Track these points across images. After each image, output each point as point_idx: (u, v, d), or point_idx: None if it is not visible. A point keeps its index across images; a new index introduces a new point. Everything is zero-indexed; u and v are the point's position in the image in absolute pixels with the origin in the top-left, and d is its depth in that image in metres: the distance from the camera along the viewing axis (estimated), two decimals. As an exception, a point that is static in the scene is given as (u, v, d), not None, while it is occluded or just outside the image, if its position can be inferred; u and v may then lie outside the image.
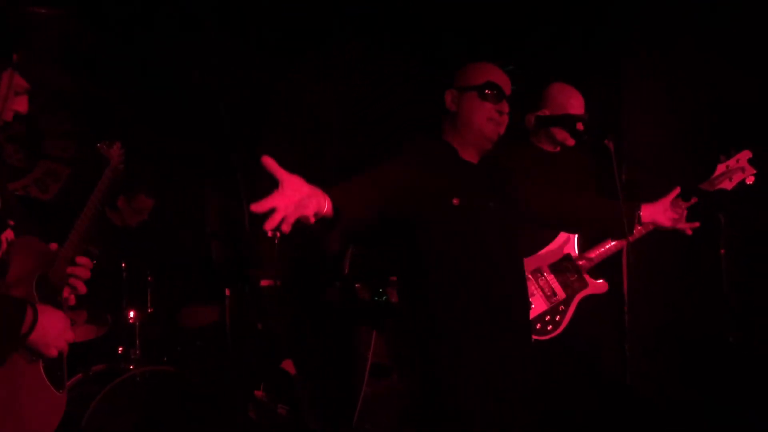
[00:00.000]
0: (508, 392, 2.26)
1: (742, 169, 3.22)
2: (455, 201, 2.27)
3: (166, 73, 4.68)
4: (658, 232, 3.20)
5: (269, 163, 1.74)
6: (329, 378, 4.14)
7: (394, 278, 4.10)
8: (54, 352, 2.16)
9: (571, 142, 3.22)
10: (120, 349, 3.75)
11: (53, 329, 2.14)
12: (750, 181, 3.21)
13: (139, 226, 4.40)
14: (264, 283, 3.91)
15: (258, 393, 4.09)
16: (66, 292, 2.29)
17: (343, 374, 4.10)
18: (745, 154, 3.24)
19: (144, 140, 4.55)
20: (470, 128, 2.38)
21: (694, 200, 3.13)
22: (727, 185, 3.21)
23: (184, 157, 4.87)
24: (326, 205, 1.87)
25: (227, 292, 3.65)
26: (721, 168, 3.24)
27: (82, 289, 2.29)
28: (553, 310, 3.11)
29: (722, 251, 2.91)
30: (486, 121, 2.36)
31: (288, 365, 3.96)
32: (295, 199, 1.75)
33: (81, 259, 2.30)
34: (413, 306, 2.30)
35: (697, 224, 2.59)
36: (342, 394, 4.04)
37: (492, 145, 2.41)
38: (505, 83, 2.41)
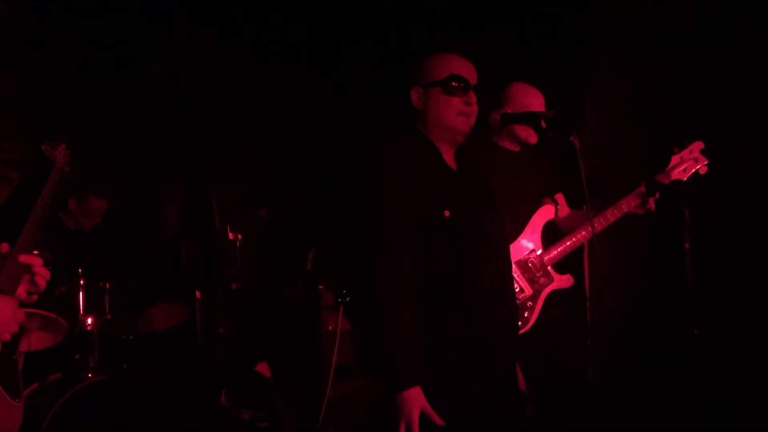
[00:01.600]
0: (494, 403, 2.25)
1: (695, 160, 3.30)
2: (446, 213, 2.24)
3: (122, 68, 4.59)
4: (621, 225, 3.26)
5: None
6: (294, 380, 4.09)
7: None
8: (6, 337, 2.12)
9: (533, 140, 3.25)
10: (77, 356, 3.65)
11: (2, 314, 2.09)
12: (703, 171, 3.30)
13: (93, 229, 4.28)
14: (234, 285, 3.85)
15: (221, 399, 4.02)
16: (23, 290, 2.21)
17: (307, 376, 4.06)
18: (698, 145, 3.32)
19: (97, 139, 4.44)
20: (441, 125, 2.34)
21: (657, 195, 3.20)
22: (682, 176, 3.29)
23: (141, 156, 4.77)
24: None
25: (198, 294, 3.58)
26: (675, 159, 3.31)
27: (42, 284, 2.22)
28: (521, 307, 3.12)
29: (686, 245, 2.96)
30: (455, 115, 2.32)
31: (263, 368, 3.91)
32: None
33: (29, 258, 2.21)
34: None
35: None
36: (307, 396, 4.00)
37: (464, 138, 2.38)
38: (469, 72, 2.36)
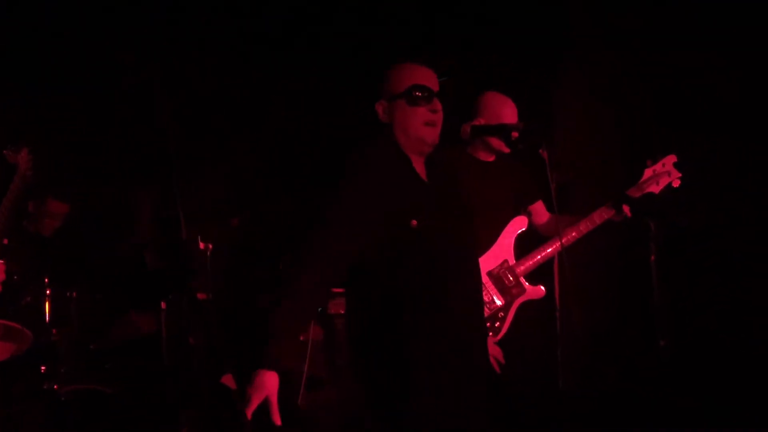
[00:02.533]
0: (465, 413, 2.22)
1: (668, 173, 3.32)
2: (413, 223, 2.22)
3: (90, 70, 4.52)
4: (592, 236, 3.27)
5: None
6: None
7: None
8: None
9: (506, 150, 3.24)
10: (43, 368, 3.59)
11: None
12: (676, 184, 3.31)
13: (58, 236, 4.20)
14: (201, 296, 3.80)
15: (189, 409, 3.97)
16: None
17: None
18: (671, 159, 3.34)
19: (61, 144, 4.37)
20: (409, 136, 2.32)
21: (626, 208, 3.21)
22: (655, 189, 3.31)
23: (109, 160, 4.71)
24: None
25: (163, 305, 3.54)
26: (648, 173, 3.33)
27: None
28: (492, 317, 3.12)
29: (652, 257, 2.98)
30: (422, 125, 2.30)
31: (228, 380, 3.86)
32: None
33: None
34: (369, 324, 2.24)
35: None
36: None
37: (433, 148, 2.36)
38: (431, 80, 2.34)
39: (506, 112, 3.25)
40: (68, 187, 4.22)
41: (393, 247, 2.20)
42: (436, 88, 2.33)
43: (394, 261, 2.20)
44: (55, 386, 3.51)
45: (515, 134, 2.98)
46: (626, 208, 3.23)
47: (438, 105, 2.31)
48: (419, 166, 2.36)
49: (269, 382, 2.04)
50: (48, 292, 3.65)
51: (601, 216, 3.26)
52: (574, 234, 3.25)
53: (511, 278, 3.20)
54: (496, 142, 3.24)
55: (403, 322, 2.19)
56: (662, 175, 3.31)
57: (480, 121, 3.20)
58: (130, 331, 3.99)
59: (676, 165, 3.33)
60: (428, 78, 2.34)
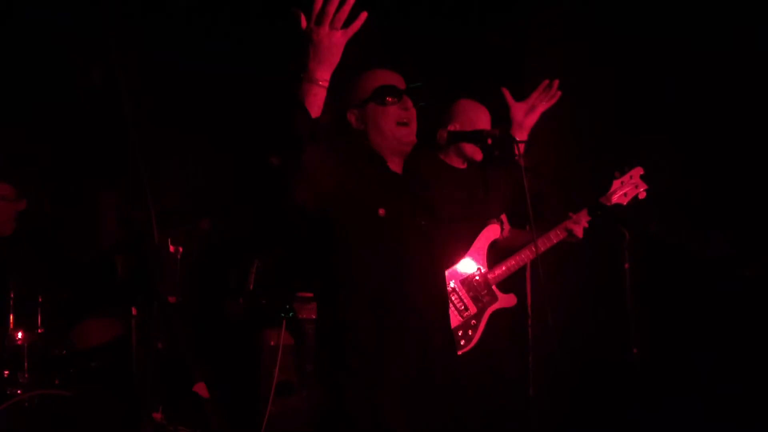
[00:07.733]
0: (430, 406, 2.23)
1: (636, 185, 3.40)
2: (381, 212, 2.23)
3: (55, 75, 4.44)
4: (564, 245, 3.32)
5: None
6: (234, 397, 4.02)
7: (301, 293, 4.05)
8: None
9: (479, 157, 3.27)
10: (6, 372, 3.50)
11: None
12: (642, 196, 3.39)
13: (19, 236, 4.10)
14: (171, 299, 3.74)
15: (156, 415, 3.91)
16: None
17: (248, 393, 3.99)
18: (638, 171, 3.42)
19: (24, 142, 4.29)
20: (385, 136, 2.32)
21: (578, 231, 3.28)
22: (623, 200, 3.38)
23: (72, 160, 4.62)
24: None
25: (134, 311, 3.48)
26: (616, 184, 3.40)
27: None
28: (465, 325, 3.14)
29: (626, 266, 3.02)
30: (396, 126, 2.32)
31: (201, 388, 3.80)
32: None
33: None
34: (333, 318, 2.24)
35: None
36: (247, 413, 3.93)
37: (411, 149, 2.37)
38: (397, 80, 2.37)
39: (481, 118, 3.28)
40: (9, 166, 4.07)
41: (359, 234, 2.21)
42: (403, 85, 2.35)
43: (360, 248, 2.21)
44: (19, 391, 3.42)
45: (490, 140, 3.00)
46: (578, 231, 3.28)
47: (409, 102, 2.33)
48: (394, 164, 2.37)
49: None
50: (12, 295, 3.57)
51: (570, 226, 3.31)
52: (545, 242, 3.29)
53: (483, 286, 3.23)
54: (470, 149, 3.26)
55: (366, 315, 2.20)
56: (629, 186, 3.39)
57: (455, 127, 3.22)
58: (96, 336, 3.91)
59: (642, 177, 3.41)
60: (394, 78, 2.36)
